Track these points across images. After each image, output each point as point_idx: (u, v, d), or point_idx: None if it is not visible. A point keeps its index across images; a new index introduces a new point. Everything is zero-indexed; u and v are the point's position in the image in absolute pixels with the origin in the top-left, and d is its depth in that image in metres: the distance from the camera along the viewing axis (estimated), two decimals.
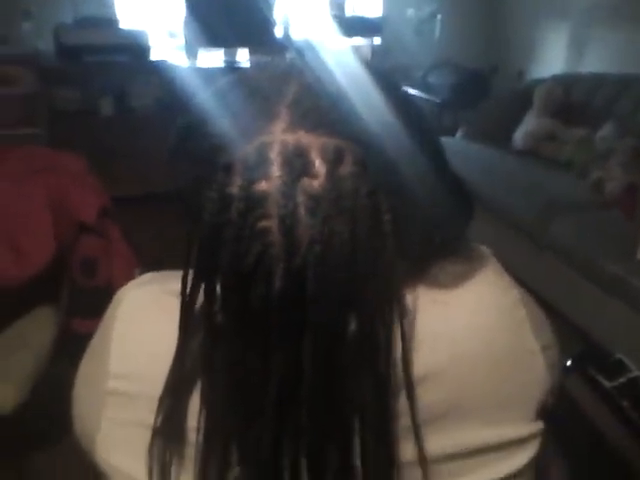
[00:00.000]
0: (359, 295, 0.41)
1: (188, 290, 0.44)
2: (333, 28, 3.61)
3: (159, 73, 3.20)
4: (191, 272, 0.44)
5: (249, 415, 0.42)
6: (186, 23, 3.42)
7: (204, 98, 0.47)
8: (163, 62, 3.37)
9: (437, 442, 0.45)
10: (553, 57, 3.73)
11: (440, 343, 0.46)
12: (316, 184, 0.40)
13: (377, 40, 4.03)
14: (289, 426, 0.41)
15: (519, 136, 3.12)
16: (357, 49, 3.88)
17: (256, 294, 0.40)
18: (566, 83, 3.20)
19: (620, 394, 0.88)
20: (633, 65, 3.01)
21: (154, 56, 3.43)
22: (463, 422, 0.46)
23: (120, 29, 3.38)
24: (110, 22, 3.37)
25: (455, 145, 3.15)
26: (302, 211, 0.40)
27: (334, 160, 0.41)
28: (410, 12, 4.02)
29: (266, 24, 3.55)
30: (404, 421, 0.43)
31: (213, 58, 3.60)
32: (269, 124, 0.42)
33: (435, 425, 0.45)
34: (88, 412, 0.50)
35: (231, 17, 3.38)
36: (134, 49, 3.31)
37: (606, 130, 2.81)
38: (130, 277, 0.55)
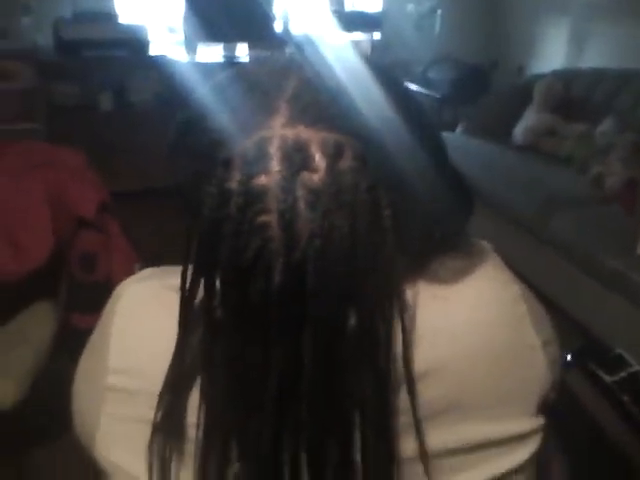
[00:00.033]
0: (359, 290, 0.41)
1: (188, 285, 0.44)
2: (333, 23, 3.60)
3: (158, 68, 3.19)
4: (190, 267, 0.44)
5: (249, 410, 0.42)
6: (185, 18, 3.41)
7: (203, 93, 0.46)
8: (162, 57, 3.36)
9: (438, 437, 0.45)
10: (553, 52, 3.72)
11: (440, 339, 0.46)
12: (316, 178, 0.40)
13: (377, 35, 4.02)
14: (289, 421, 0.41)
15: (519, 131, 3.12)
16: (357, 44, 3.87)
17: (255, 289, 0.40)
18: (566, 78, 3.19)
19: (620, 389, 0.88)
20: (633, 60, 3.00)
21: (153, 51, 3.42)
22: (464, 418, 0.46)
23: (119, 24, 3.37)
24: (109, 17, 3.36)
25: (455, 140, 3.14)
26: (302, 205, 0.39)
27: (334, 154, 0.41)
28: (410, 7, 4.00)
29: (265, 19, 3.54)
30: (404, 417, 0.43)
31: (212, 53, 3.59)
32: (268, 119, 0.42)
33: (436, 421, 0.45)
34: (87, 408, 0.50)
35: (230, 12, 3.36)
36: (133, 44, 3.30)
37: (606, 125, 2.80)
38: (130, 272, 0.55)
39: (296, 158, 0.40)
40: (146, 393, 0.46)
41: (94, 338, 0.52)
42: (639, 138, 2.58)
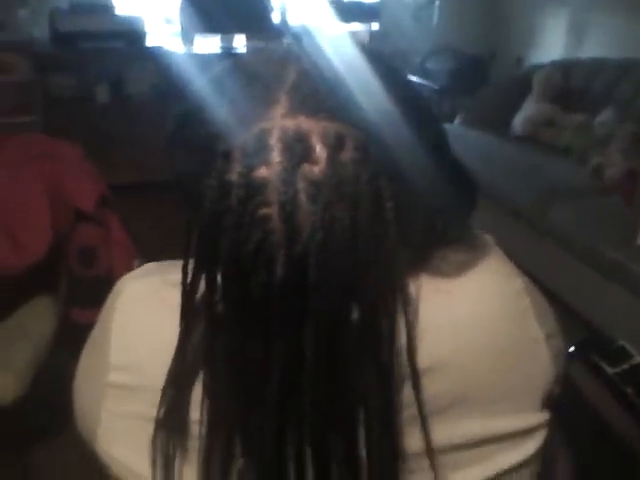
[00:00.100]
0: (361, 282, 0.41)
1: (189, 279, 0.43)
2: (331, 14, 3.58)
3: (155, 59, 3.18)
4: (191, 261, 0.43)
5: (251, 404, 0.42)
6: (182, 9, 3.39)
7: (201, 85, 0.46)
8: (159, 48, 3.34)
9: (443, 433, 0.45)
10: (552, 43, 3.70)
11: (444, 333, 0.45)
12: (317, 170, 0.40)
13: (375, 26, 4.00)
14: (292, 415, 0.41)
15: (518, 122, 3.11)
16: (354, 35, 3.85)
17: (257, 282, 0.39)
18: (565, 68, 3.18)
19: (623, 381, 0.88)
20: (632, 50, 2.99)
21: (150, 42, 3.40)
22: (469, 413, 0.46)
23: (115, 15, 3.36)
24: (105, 8, 3.34)
25: (454, 131, 3.13)
26: (303, 197, 0.39)
27: (335, 145, 0.40)
28: None
29: (263, 10, 3.52)
30: (408, 412, 0.43)
31: (209, 44, 3.57)
32: (268, 110, 0.41)
33: (440, 416, 0.45)
34: (89, 404, 0.49)
35: (227, 3, 3.34)
36: (130, 35, 3.29)
37: (605, 115, 2.80)
38: (130, 267, 0.55)
39: (297, 149, 0.40)
40: (147, 389, 0.45)
41: (94, 334, 0.52)
42: (639, 129, 2.57)
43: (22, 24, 3.17)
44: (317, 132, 0.40)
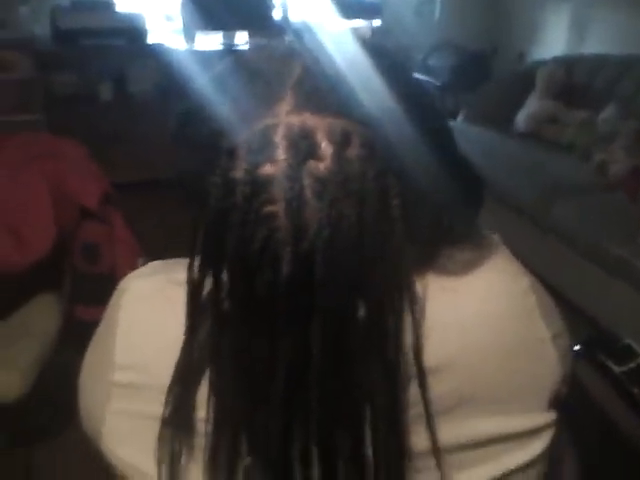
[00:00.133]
0: (367, 280, 0.41)
1: (195, 277, 0.43)
2: (332, 10, 3.57)
3: (157, 57, 3.17)
4: (197, 259, 0.43)
5: (257, 402, 0.42)
6: (183, 5, 3.38)
7: (205, 82, 0.46)
8: (160, 46, 3.34)
9: (449, 432, 0.44)
10: (554, 38, 3.69)
11: (450, 332, 0.45)
12: (322, 166, 0.39)
13: (377, 22, 3.98)
14: (298, 412, 0.41)
15: (521, 118, 3.10)
16: (356, 31, 3.84)
17: (263, 280, 0.39)
18: (568, 65, 3.17)
19: (630, 380, 0.87)
20: (635, 46, 2.98)
21: (151, 40, 3.40)
22: (475, 412, 0.45)
23: (116, 12, 3.35)
24: (106, 5, 3.33)
25: (456, 128, 3.11)
26: (309, 194, 0.39)
27: (341, 142, 0.40)
28: None
29: (264, 7, 3.51)
30: (415, 410, 0.43)
31: (211, 41, 3.56)
32: (273, 107, 0.41)
33: (447, 415, 0.44)
34: (93, 403, 0.49)
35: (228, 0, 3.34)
36: (131, 33, 3.29)
37: (608, 112, 2.79)
38: (133, 264, 0.55)
39: (302, 146, 0.39)
40: (152, 388, 0.45)
41: (99, 333, 0.52)
42: None
43: (23, 22, 3.17)
44: (323, 129, 0.40)
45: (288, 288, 0.39)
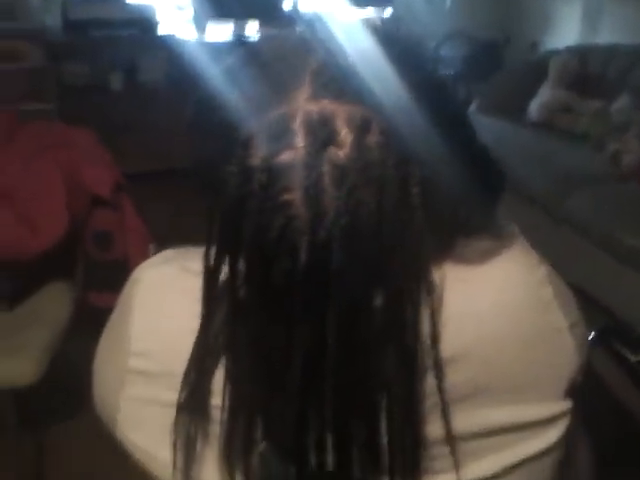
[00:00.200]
0: (386, 269, 0.40)
1: (211, 265, 0.43)
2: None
3: (168, 47, 3.17)
4: (213, 247, 0.43)
5: (273, 390, 0.42)
6: None
7: (219, 71, 0.45)
8: (171, 36, 3.34)
9: (465, 421, 0.44)
10: (567, 28, 3.64)
11: (467, 322, 0.45)
12: (342, 154, 0.39)
13: (388, 11, 3.95)
14: (314, 400, 0.41)
15: (534, 108, 3.07)
16: (368, 20, 3.81)
17: (280, 268, 0.39)
18: (581, 54, 3.13)
19: None
20: None
21: (162, 30, 3.39)
22: (491, 401, 0.45)
23: (127, 3, 3.35)
24: None
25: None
26: (327, 182, 0.38)
27: (361, 129, 0.39)
28: None
29: None
30: (431, 400, 0.43)
31: (222, 31, 3.55)
32: (290, 94, 0.41)
33: (463, 404, 0.44)
34: (108, 390, 0.49)
35: None
36: (142, 23, 3.29)
37: (622, 102, 2.76)
38: (145, 252, 0.55)
39: (321, 133, 0.39)
40: (167, 375, 0.45)
41: (113, 321, 0.52)
42: None
43: (34, 12, 3.17)
44: (342, 116, 0.40)
45: (305, 276, 0.39)
